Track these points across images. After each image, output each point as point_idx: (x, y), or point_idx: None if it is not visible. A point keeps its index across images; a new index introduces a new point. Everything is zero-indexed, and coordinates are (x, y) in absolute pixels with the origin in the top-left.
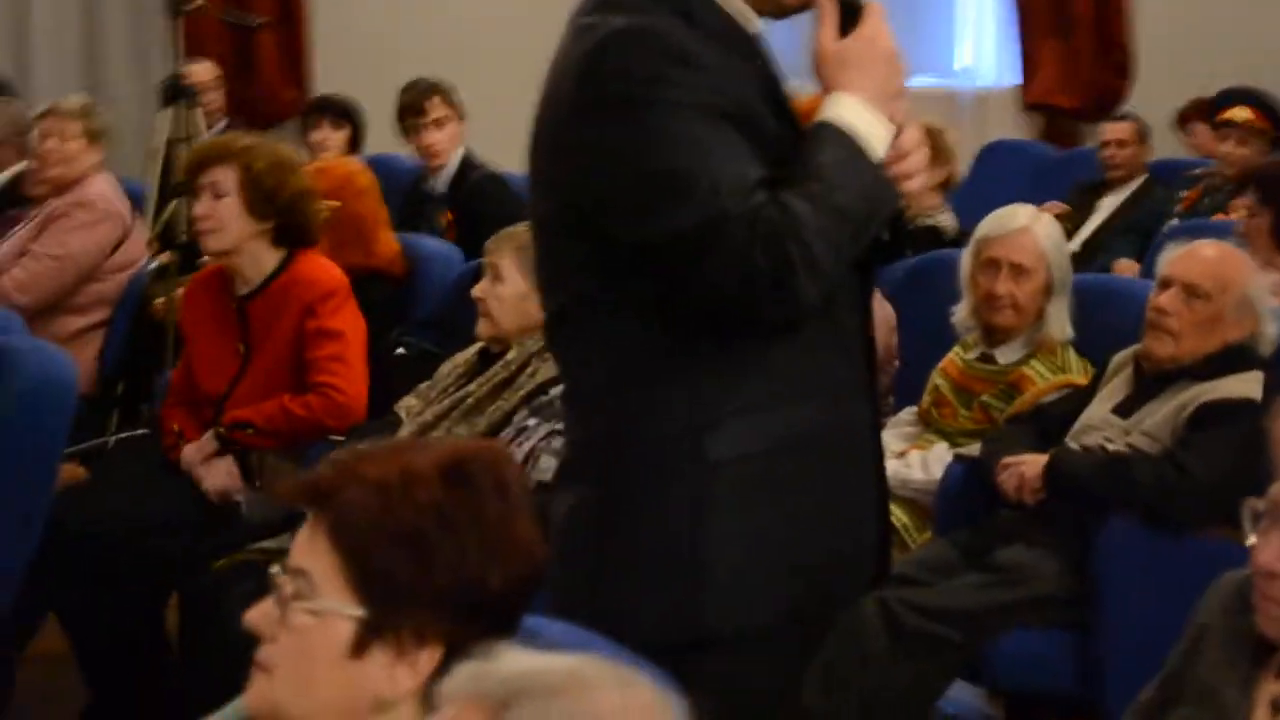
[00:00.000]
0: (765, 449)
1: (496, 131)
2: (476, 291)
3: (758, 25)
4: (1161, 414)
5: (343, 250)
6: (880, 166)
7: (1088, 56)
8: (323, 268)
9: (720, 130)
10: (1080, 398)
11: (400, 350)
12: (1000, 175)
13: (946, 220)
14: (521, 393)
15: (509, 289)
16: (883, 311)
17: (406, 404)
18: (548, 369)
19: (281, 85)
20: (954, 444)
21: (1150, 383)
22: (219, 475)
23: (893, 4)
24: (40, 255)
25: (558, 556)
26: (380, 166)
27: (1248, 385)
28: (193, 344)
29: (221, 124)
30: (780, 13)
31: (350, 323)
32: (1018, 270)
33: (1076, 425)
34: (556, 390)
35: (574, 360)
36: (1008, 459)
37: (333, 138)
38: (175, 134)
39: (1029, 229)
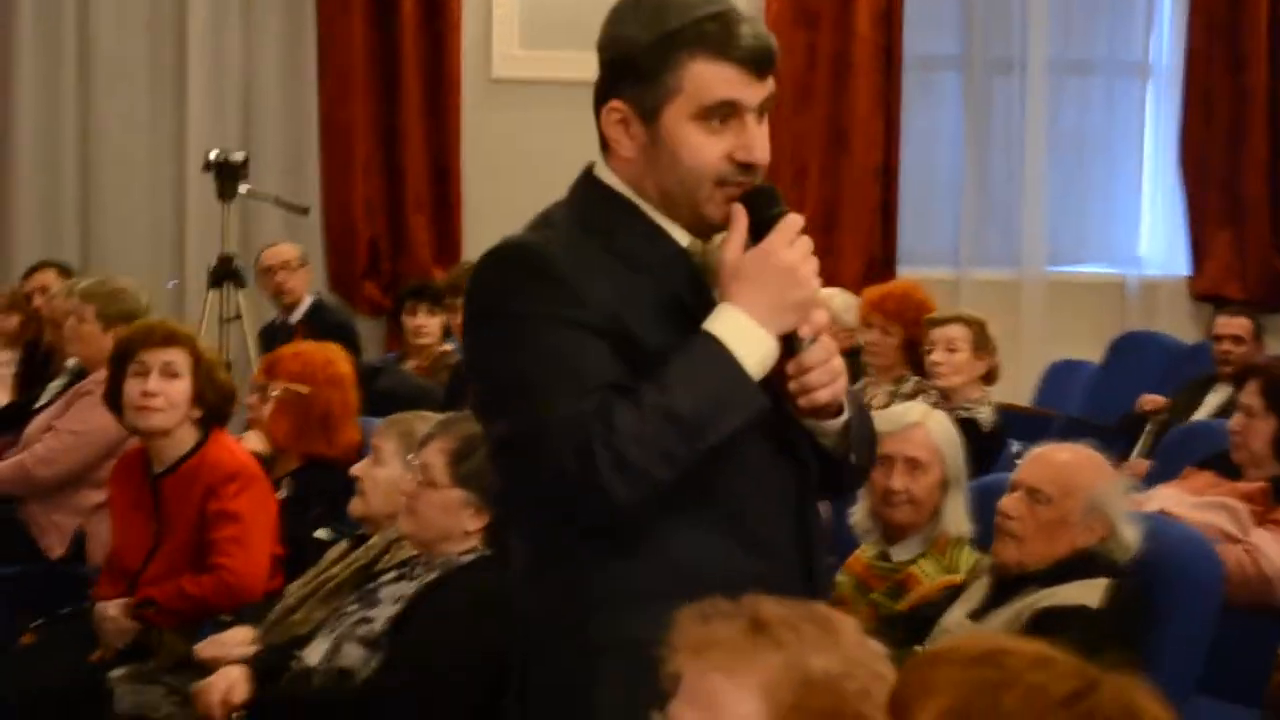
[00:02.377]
0: (652, 638)
1: None
2: (355, 470)
3: (685, 240)
4: (1002, 619)
5: (304, 436)
6: (741, 377)
7: (1257, 246)
8: (229, 450)
9: (572, 342)
10: (952, 599)
11: (319, 534)
12: (1132, 366)
13: (985, 414)
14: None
15: (384, 472)
16: None
17: (291, 586)
18: (404, 555)
19: (433, 264)
20: None
21: (1004, 586)
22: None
23: (1067, 188)
24: (62, 431)
25: None
26: None
27: (1086, 592)
28: (115, 519)
29: (307, 303)
30: (707, 231)
31: (251, 505)
32: (913, 464)
33: (935, 629)
34: (385, 579)
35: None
36: None
37: (429, 324)
38: (225, 314)
39: (921, 424)
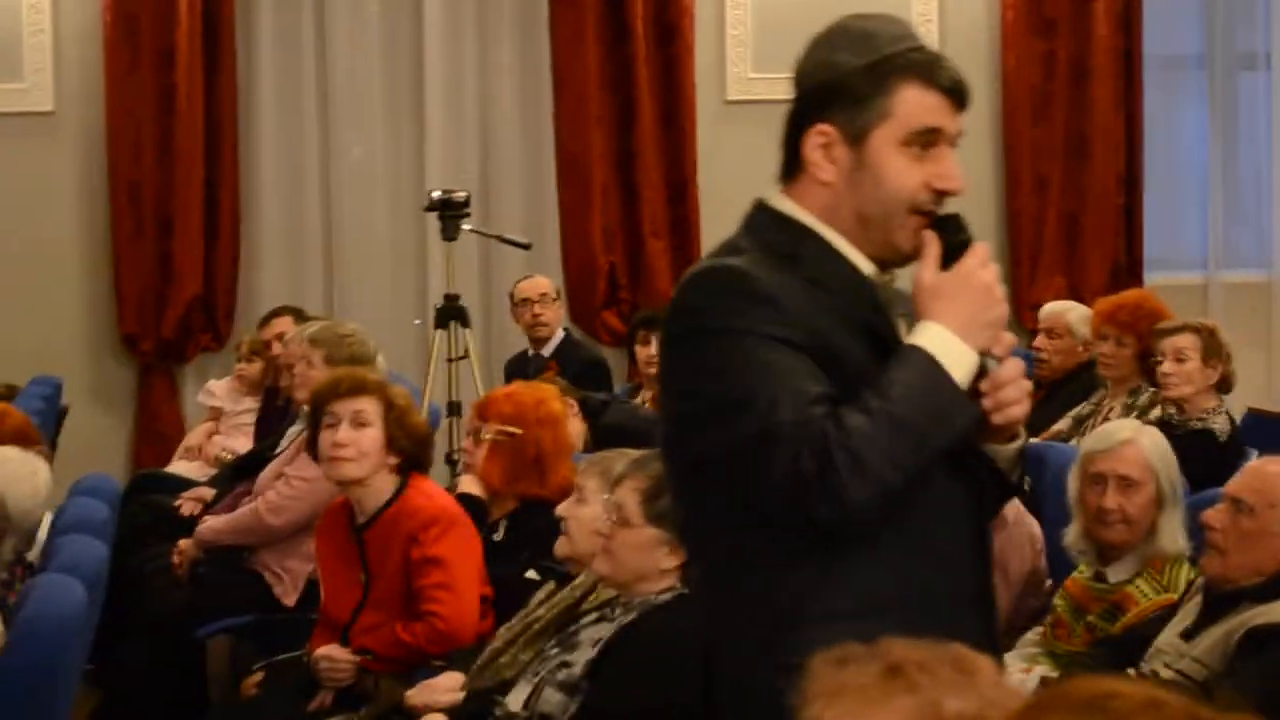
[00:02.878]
0: None
1: None
2: (560, 510)
3: (869, 269)
4: (1214, 638)
5: (517, 478)
6: (955, 388)
7: None
8: (427, 495)
9: (785, 356)
10: (1168, 619)
11: (530, 575)
12: None
13: (1220, 424)
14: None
15: (588, 511)
16: (1026, 530)
17: (501, 630)
18: (607, 595)
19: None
20: (1060, 667)
21: (1215, 604)
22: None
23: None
24: (292, 478)
25: None
26: None
27: None
28: (323, 572)
29: (559, 336)
30: (895, 260)
31: (455, 549)
32: (1125, 483)
33: (1150, 649)
34: (585, 621)
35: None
36: None
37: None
38: (453, 353)
39: (1133, 441)
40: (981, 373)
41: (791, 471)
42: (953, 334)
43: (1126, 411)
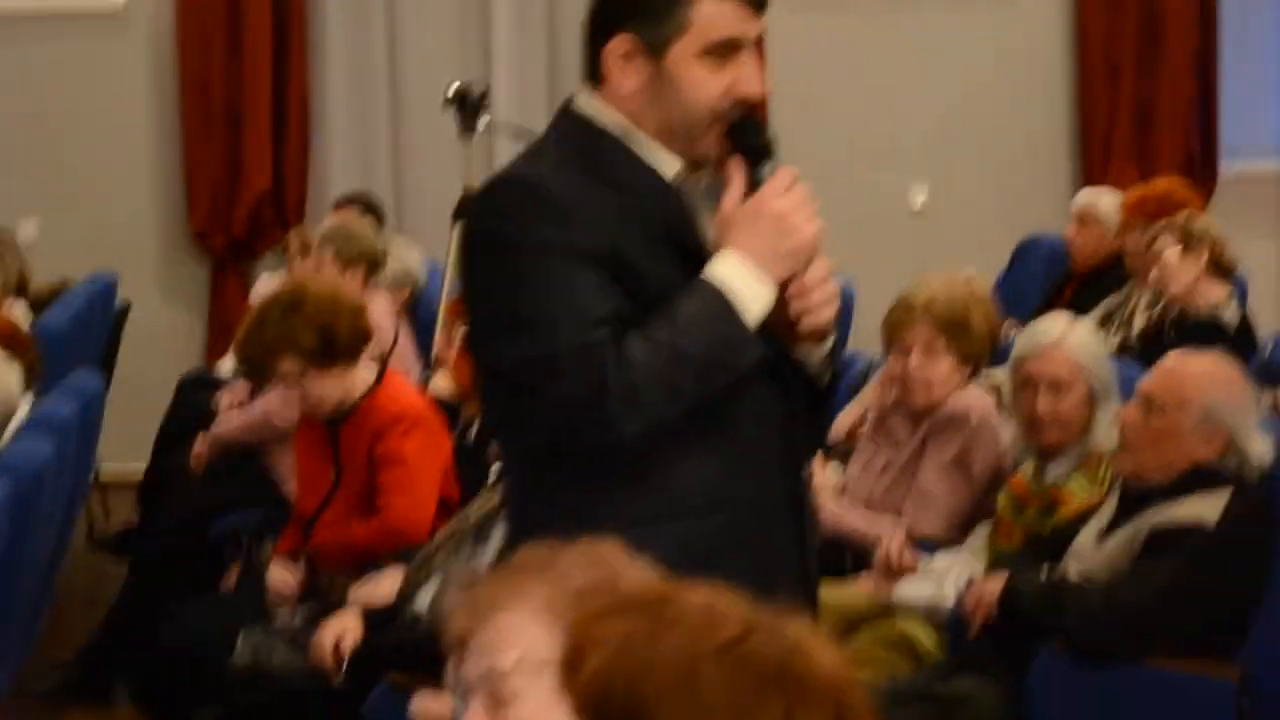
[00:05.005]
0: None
1: None
2: None
3: (674, 169)
4: (1123, 538)
5: None
6: (741, 323)
7: None
8: (398, 393)
9: (575, 272)
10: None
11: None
12: None
13: (1230, 314)
14: None
15: None
16: (991, 430)
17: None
18: None
19: None
20: (990, 565)
21: (1128, 503)
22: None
23: None
24: None
25: None
26: None
27: (1203, 507)
28: (299, 466)
29: None
30: (704, 164)
31: (418, 448)
32: (1055, 385)
33: (1071, 547)
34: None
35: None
36: (977, 580)
37: None
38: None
39: (1060, 342)
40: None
41: (565, 396)
42: (749, 265)
43: (1153, 304)
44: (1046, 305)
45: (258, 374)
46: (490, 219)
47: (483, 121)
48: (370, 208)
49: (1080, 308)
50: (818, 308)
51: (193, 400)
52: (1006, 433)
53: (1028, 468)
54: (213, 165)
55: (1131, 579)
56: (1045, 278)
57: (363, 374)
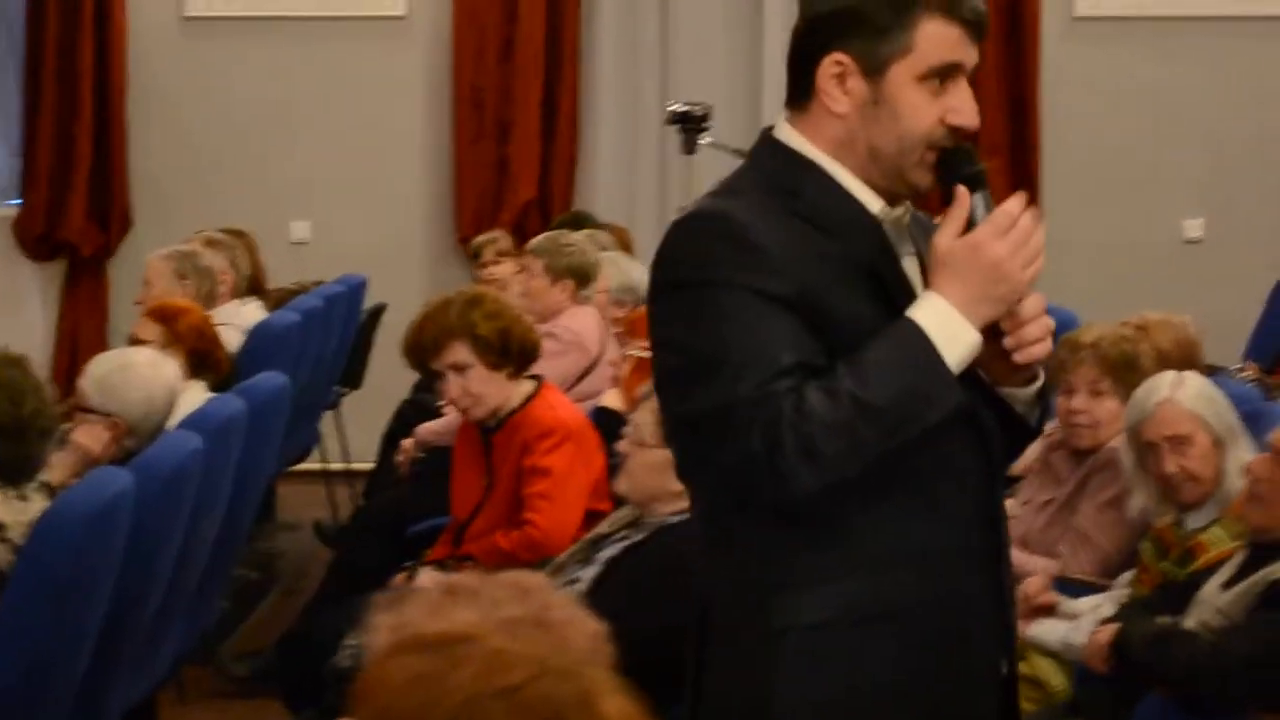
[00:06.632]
0: (835, 619)
1: None
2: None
3: (876, 204)
4: (1243, 588)
5: None
6: (941, 370)
7: None
8: (549, 406)
9: (763, 317)
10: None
11: None
12: None
13: None
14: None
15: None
16: None
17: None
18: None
19: None
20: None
21: (1257, 555)
22: None
23: None
24: None
25: None
26: None
27: None
28: (455, 472)
29: None
30: (904, 195)
31: (566, 462)
32: (1176, 442)
33: (1196, 595)
34: (610, 540)
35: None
36: (1101, 626)
37: None
38: None
39: (1169, 398)
40: (996, 334)
41: (740, 449)
42: (954, 308)
43: None
44: None
45: (425, 358)
46: (680, 258)
47: (704, 140)
48: (580, 223)
49: None
50: (1032, 342)
51: (416, 400)
52: None
53: (1170, 515)
54: (481, 173)
55: (1244, 630)
56: None
57: (523, 386)
